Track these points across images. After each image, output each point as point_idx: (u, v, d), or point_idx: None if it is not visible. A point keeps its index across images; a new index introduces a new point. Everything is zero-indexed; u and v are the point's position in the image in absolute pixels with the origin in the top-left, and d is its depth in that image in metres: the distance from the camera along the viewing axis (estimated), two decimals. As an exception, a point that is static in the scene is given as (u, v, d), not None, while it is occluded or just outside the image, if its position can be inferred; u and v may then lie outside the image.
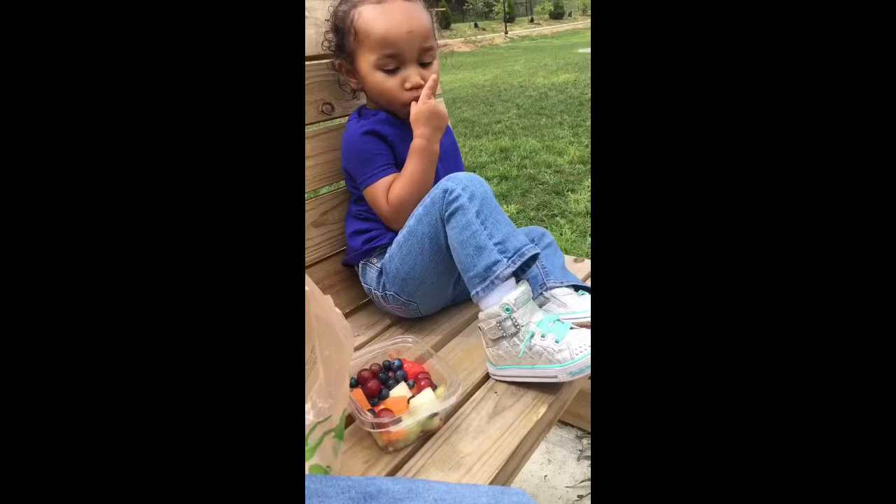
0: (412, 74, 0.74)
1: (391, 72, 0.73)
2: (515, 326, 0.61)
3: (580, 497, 0.99)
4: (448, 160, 0.82)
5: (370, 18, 0.72)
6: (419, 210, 0.70)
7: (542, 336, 0.60)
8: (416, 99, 0.74)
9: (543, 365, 0.60)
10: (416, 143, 0.73)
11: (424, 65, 0.75)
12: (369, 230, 0.78)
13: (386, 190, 0.75)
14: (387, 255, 0.75)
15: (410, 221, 0.71)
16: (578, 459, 1.06)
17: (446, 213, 0.66)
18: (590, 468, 1.04)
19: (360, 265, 0.80)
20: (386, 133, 0.75)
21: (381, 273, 0.76)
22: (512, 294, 0.61)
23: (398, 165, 0.76)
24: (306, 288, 0.46)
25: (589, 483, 1.01)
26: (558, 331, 0.60)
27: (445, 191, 0.66)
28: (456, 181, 0.66)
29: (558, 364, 0.59)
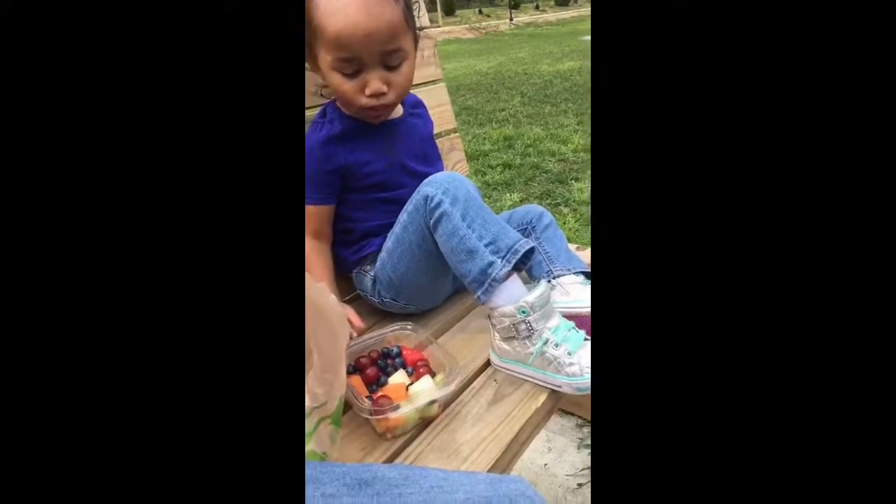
0: (373, 80, 0.66)
1: (350, 75, 0.66)
2: (529, 330, 0.59)
3: (580, 485, 0.99)
4: (428, 156, 0.80)
5: (325, 13, 0.63)
6: (403, 217, 0.67)
7: (556, 345, 0.59)
8: (377, 108, 0.68)
9: (551, 373, 0.59)
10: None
11: (390, 68, 0.67)
12: (359, 239, 0.76)
13: (307, 218, 0.72)
14: (378, 262, 0.73)
15: (396, 229, 0.69)
16: (579, 448, 1.06)
17: (431, 221, 0.63)
18: (590, 457, 1.04)
19: (354, 274, 0.78)
20: (340, 155, 0.71)
21: (374, 281, 0.74)
22: (530, 295, 0.59)
23: (348, 178, 0.72)
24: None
25: (589, 471, 1.01)
26: (573, 341, 0.59)
27: (426, 198, 0.63)
28: (436, 185, 0.62)
29: (566, 377, 0.58)
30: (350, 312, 0.68)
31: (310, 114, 0.79)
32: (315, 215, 0.74)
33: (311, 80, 0.79)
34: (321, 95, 0.80)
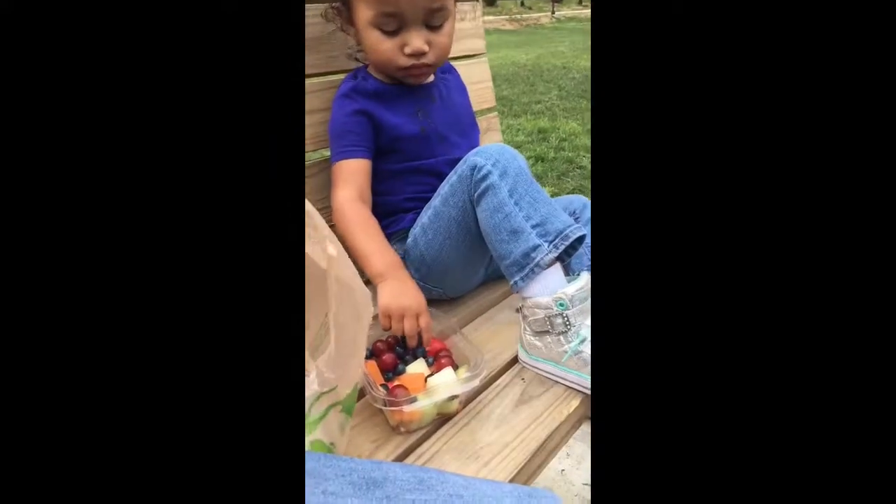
0: (414, 38, 0.63)
1: (390, 32, 0.63)
2: (566, 325, 0.54)
3: (599, 497, 0.93)
4: (463, 127, 0.74)
5: None
6: (445, 189, 0.62)
7: None
8: (417, 67, 0.64)
9: (586, 375, 0.53)
10: (375, 276, 0.59)
11: (433, 27, 0.64)
12: (387, 215, 0.71)
13: (346, 175, 0.66)
14: (410, 238, 0.67)
15: (435, 201, 0.64)
16: (599, 457, 1.01)
17: (475, 194, 0.58)
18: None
19: None
20: (372, 108, 0.67)
21: (403, 260, 0.69)
22: (569, 287, 0.54)
23: (380, 139, 0.68)
24: (331, 251, 0.41)
25: (609, 483, 0.95)
26: None
27: (474, 168, 0.57)
28: (485, 155, 0.57)
29: None
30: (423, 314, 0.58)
31: (340, 77, 0.74)
32: (354, 170, 0.67)
33: (343, 42, 0.75)
34: (355, 59, 0.75)
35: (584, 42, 6.94)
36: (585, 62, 5.32)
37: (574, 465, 0.99)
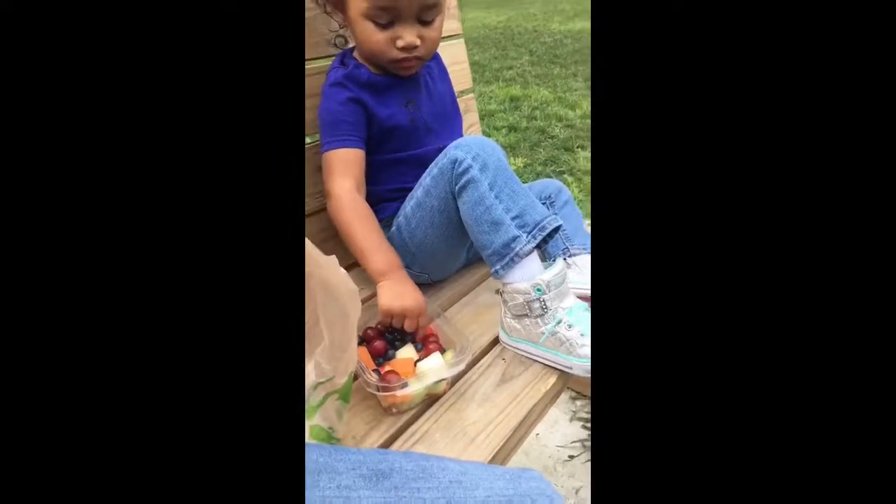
0: (407, 33, 0.64)
1: (383, 25, 0.63)
2: (543, 309, 0.57)
3: (571, 457, 1.00)
4: (447, 115, 0.76)
5: None
6: (426, 181, 0.64)
7: (569, 326, 0.57)
8: (407, 60, 0.65)
9: (563, 354, 0.58)
10: (377, 274, 0.62)
11: (425, 22, 0.65)
12: (370, 204, 0.72)
13: (343, 165, 0.66)
14: (394, 227, 0.69)
15: (418, 192, 0.66)
16: (571, 420, 1.07)
17: (457, 187, 0.60)
18: (581, 429, 1.05)
19: None
20: (365, 98, 0.67)
21: None
22: (546, 274, 0.57)
23: (371, 130, 0.68)
24: (306, 249, 0.42)
25: (579, 444, 1.02)
26: (585, 322, 0.57)
27: (454, 161, 0.59)
28: (465, 149, 0.59)
29: (577, 358, 0.56)
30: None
31: (321, 64, 0.74)
32: (350, 160, 0.67)
33: (321, 27, 0.74)
34: (334, 45, 0.74)
35: (555, 3, 6.82)
36: (556, 25, 5.25)
37: (548, 429, 1.06)
